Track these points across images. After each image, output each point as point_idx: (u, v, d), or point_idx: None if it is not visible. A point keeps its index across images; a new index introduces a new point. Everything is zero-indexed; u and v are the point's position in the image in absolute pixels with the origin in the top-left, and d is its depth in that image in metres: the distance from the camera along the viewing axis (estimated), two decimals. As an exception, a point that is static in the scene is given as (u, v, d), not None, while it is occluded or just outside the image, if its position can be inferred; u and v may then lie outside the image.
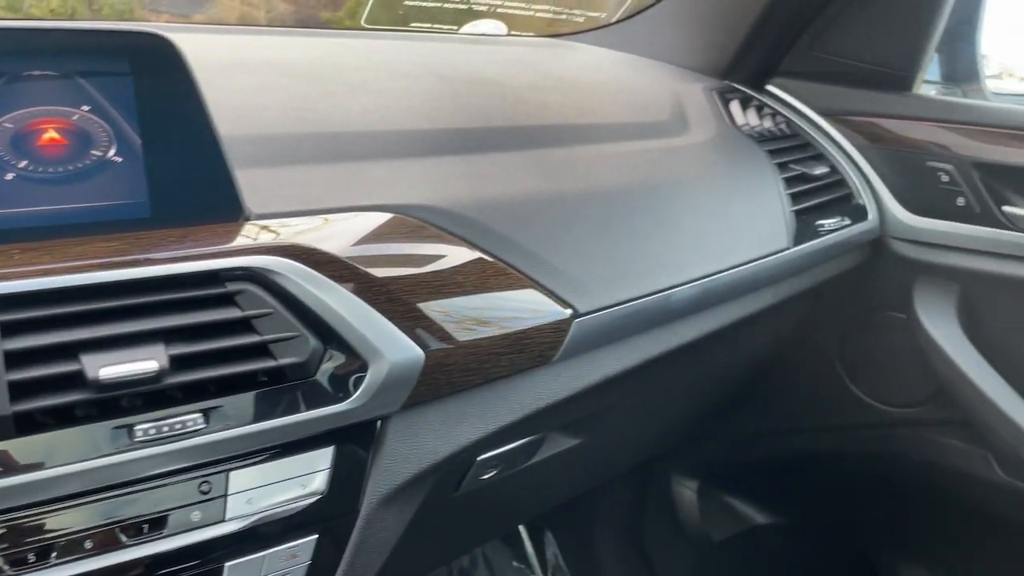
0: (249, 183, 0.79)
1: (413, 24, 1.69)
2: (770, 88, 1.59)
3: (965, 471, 1.50)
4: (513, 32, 1.78)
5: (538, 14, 1.71)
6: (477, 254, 0.87)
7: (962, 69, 1.79)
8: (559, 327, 0.90)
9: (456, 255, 0.86)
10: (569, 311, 0.91)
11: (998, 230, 1.37)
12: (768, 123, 1.45)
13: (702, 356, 1.25)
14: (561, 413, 1.00)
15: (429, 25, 1.69)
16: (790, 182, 1.31)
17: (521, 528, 1.97)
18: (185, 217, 0.76)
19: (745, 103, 1.47)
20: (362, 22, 1.61)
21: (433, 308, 0.81)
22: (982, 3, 1.72)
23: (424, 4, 1.64)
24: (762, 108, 1.49)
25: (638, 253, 1.02)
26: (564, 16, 1.73)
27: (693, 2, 1.58)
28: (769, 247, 1.21)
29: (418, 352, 0.78)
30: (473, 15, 1.70)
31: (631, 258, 1.01)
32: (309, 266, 0.75)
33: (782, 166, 1.33)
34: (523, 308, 0.88)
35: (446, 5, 1.64)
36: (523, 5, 1.71)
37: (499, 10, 1.68)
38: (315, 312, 0.74)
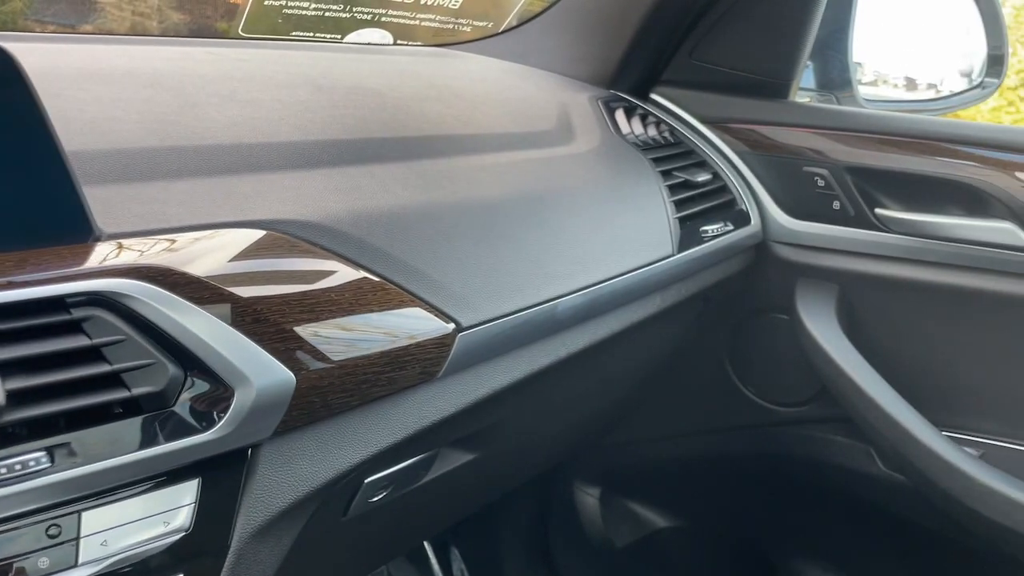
0: (100, 201, 0.74)
1: (294, 33, 1.64)
2: (654, 97, 1.62)
3: (849, 467, 1.55)
4: (399, 42, 1.75)
5: (423, 23, 1.69)
6: (354, 270, 0.84)
7: (836, 77, 1.87)
8: (442, 342, 0.87)
9: (331, 272, 0.83)
10: (452, 325, 0.89)
11: (872, 232, 1.43)
12: (652, 131, 1.47)
13: (593, 364, 1.25)
14: (451, 429, 0.97)
15: (311, 34, 1.64)
16: (674, 189, 1.33)
17: (426, 544, 1.93)
18: (27, 239, 0.70)
19: (629, 112, 1.48)
20: (239, 31, 1.55)
21: (306, 329, 0.77)
22: (852, 14, 1.80)
23: (305, 12, 1.59)
24: (646, 116, 1.51)
25: (522, 264, 1.01)
26: (451, 25, 1.71)
27: (577, 12, 1.59)
28: (655, 254, 1.23)
29: (288, 375, 0.74)
30: (358, 24, 1.66)
31: (515, 269, 0.99)
32: (165, 288, 0.70)
33: (666, 173, 1.35)
34: (403, 324, 0.85)
35: (327, 14, 1.60)
36: (408, 14, 1.68)
37: (383, 19, 1.65)
38: (172, 337, 0.69)
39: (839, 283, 1.48)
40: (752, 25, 1.52)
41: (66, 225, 0.72)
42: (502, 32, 1.74)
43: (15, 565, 0.64)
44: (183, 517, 0.71)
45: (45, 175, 0.71)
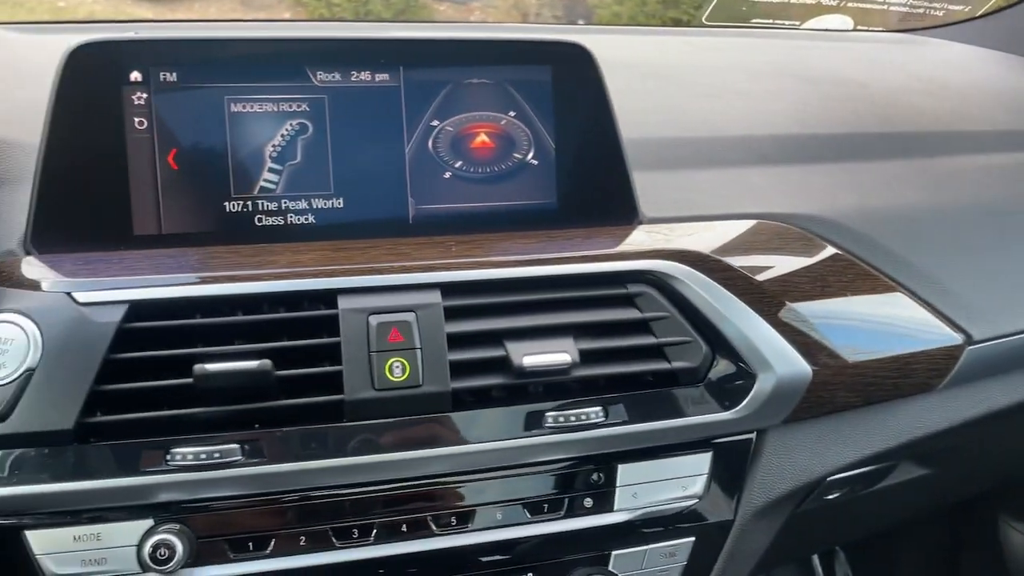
0: (640, 187, 0.82)
1: (754, 20, 1.64)
2: None
3: None
4: (859, 27, 1.67)
5: (892, 7, 1.60)
6: (867, 270, 0.83)
7: None
8: (950, 354, 0.83)
9: (845, 271, 0.83)
10: (962, 337, 0.84)
11: None
12: None
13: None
14: (933, 442, 0.93)
15: (770, 21, 1.63)
16: None
17: (815, 558, 1.88)
18: (588, 218, 0.80)
19: None
20: (703, 20, 1.59)
21: (823, 325, 0.78)
22: None
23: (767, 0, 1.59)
24: None
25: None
26: (922, 9, 1.59)
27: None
28: None
29: (806, 368, 0.76)
30: (820, 10, 1.62)
31: (1030, 283, 0.91)
32: (704, 273, 0.76)
33: None
34: (913, 331, 0.83)
35: (791, 0, 1.58)
36: (875, -2, 1.60)
37: (849, 4, 1.59)
38: (708, 319, 0.75)
39: None
40: None
41: (619, 208, 0.81)
42: (980, 16, 1.58)
43: (566, 501, 0.74)
44: (698, 485, 0.77)
45: (608, 162, 0.80)
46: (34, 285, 0.65)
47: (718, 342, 0.75)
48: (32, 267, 0.67)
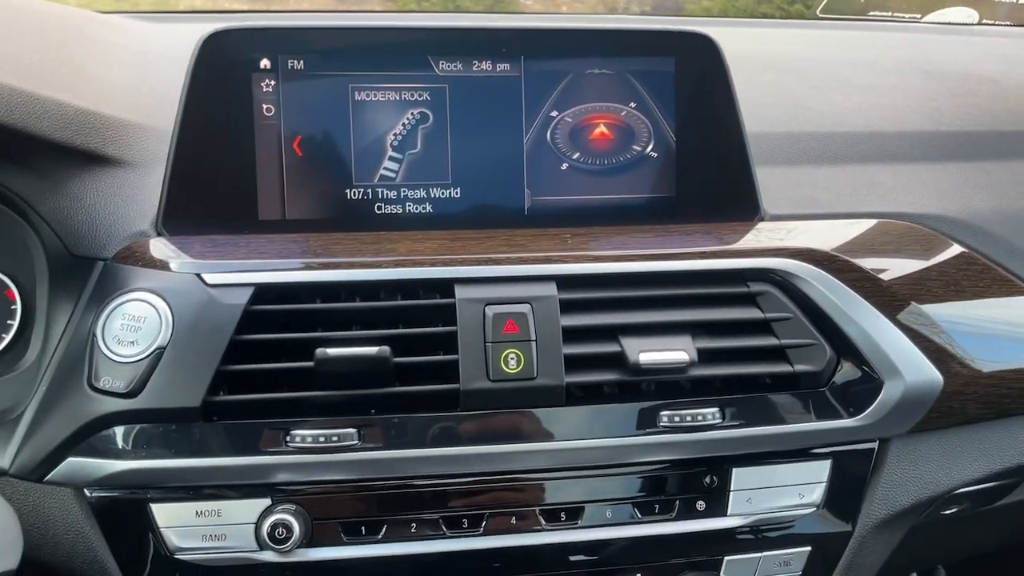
0: (761, 183, 0.79)
1: (871, 13, 1.58)
2: None
3: None
4: (985, 20, 1.59)
5: (1021, 1, 1.51)
6: (1004, 275, 0.78)
7: None
8: (1094, 367, 0.78)
9: (981, 275, 0.78)
10: None
11: None
12: None
13: None
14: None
15: (889, 14, 1.56)
16: None
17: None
18: (707, 213, 0.78)
19: None
20: (817, 12, 1.54)
21: (955, 331, 0.74)
22: None
23: (886, -9, 1.52)
24: None
25: None
26: (1055, 2, 1.50)
27: None
28: None
29: (937, 376, 0.72)
30: (942, 2, 1.54)
31: None
32: (830, 273, 0.73)
33: None
34: (1053, 341, 0.78)
35: (912, -8, 1.51)
36: (1007, -10, 1.51)
37: (977, -4, 1.51)
38: (834, 321, 0.72)
39: None
40: None
41: (740, 203, 0.78)
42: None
43: (677, 503, 0.72)
44: (817, 493, 0.74)
45: (729, 156, 0.78)
46: (165, 266, 0.67)
47: (843, 346, 0.72)
48: (163, 248, 0.69)
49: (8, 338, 0.72)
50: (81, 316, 0.68)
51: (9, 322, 0.72)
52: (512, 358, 0.67)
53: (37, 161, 0.70)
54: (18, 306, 0.72)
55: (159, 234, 0.70)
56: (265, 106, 0.72)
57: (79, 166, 0.71)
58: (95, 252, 0.69)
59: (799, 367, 0.71)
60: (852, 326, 0.71)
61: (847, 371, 0.72)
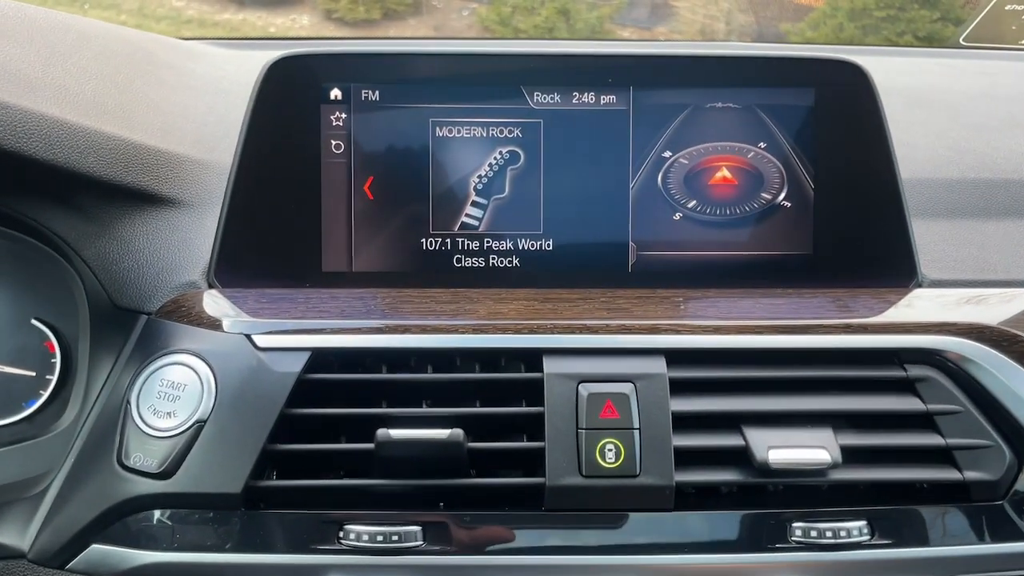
0: (918, 238, 0.66)
1: (1022, 42, 1.40)
2: None
3: None
4: None
5: None
6: None
7: None
8: None
9: None
10: None
11: None
12: None
13: None
14: None
15: (1049, 42, 1.39)
16: None
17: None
18: (852, 275, 0.65)
19: None
20: (959, 40, 1.37)
21: None
22: None
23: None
24: None
25: None
26: None
27: None
28: None
29: None
30: (1110, 29, 1.36)
31: None
32: (1012, 357, 0.59)
33: None
34: None
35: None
36: None
37: None
38: (1015, 416, 0.58)
39: None
40: None
41: (891, 263, 0.65)
42: None
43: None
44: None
45: (879, 207, 0.65)
46: (212, 323, 0.59)
47: None
48: (213, 302, 0.61)
49: (45, 395, 0.65)
50: (119, 378, 0.60)
51: (48, 377, 0.65)
52: (610, 449, 0.56)
53: (82, 200, 0.63)
54: (57, 360, 0.65)
55: (210, 285, 0.62)
56: (334, 142, 0.64)
57: (128, 206, 0.64)
58: (139, 305, 0.62)
59: (970, 474, 0.57)
60: None
61: (1029, 481, 0.58)
